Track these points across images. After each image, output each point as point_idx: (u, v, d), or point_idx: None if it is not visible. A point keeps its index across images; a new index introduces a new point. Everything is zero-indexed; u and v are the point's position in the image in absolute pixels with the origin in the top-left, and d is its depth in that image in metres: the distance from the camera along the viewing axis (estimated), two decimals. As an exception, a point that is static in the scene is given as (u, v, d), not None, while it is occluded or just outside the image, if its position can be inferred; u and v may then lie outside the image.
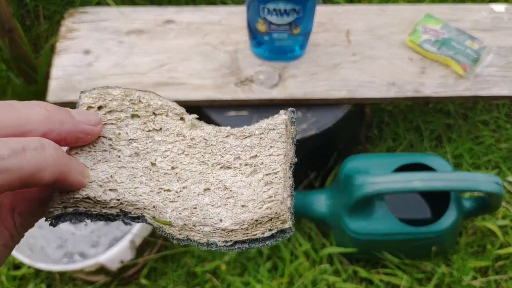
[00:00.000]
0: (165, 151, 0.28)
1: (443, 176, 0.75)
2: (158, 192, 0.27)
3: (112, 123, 0.28)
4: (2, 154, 0.20)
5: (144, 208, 0.26)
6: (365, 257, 0.89)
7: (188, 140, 0.28)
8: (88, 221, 0.26)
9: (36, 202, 0.25)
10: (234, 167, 0.28)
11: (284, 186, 0.26)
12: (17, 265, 0.95)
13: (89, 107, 0.28)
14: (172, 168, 0.28)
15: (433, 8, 0.93)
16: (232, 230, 0.26)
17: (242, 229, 0.26)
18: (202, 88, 0.84)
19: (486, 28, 0.91)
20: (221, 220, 0.26)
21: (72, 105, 0.84)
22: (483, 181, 0.73)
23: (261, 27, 0.80)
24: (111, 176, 0.26)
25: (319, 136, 0.83)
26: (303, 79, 0.85)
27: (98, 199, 0.25)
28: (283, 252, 0.90)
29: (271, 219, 0.25)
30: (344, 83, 0.85)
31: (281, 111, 0.29)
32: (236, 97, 0.83)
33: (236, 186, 0.27)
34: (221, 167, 0.28)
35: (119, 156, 0.27)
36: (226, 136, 0.28)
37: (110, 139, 0.27)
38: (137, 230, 0.85)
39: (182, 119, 0.29)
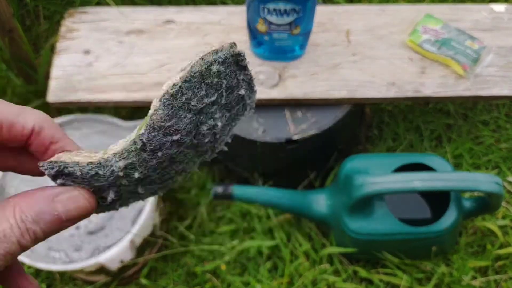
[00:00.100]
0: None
1: (443, 176, 0.75)
2: None
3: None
4: None
5: None
6: (365, 257, 0.89)
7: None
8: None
9: None
10: None
11: None
12: (17, 265, 0.95)
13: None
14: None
15: (433, 8, 0.93)
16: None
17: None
18: (202, 88, 0.84)
19: (486, 28, 0.91)
20: None
21: (72, 105, 0.85)
22: (483, 181, 0.73)
23: (261, 27, 0.80)
24: None
25: (319, 136, 0.83)
26: (303, 79, 0.85)
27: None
28: (283, 252, 0.90)
29: None
30: (344, 83, 0.85)
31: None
32: (236, 97, 0.83)
33: None
34: None
35: None
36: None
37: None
38: (137, 230, 0.85)
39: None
